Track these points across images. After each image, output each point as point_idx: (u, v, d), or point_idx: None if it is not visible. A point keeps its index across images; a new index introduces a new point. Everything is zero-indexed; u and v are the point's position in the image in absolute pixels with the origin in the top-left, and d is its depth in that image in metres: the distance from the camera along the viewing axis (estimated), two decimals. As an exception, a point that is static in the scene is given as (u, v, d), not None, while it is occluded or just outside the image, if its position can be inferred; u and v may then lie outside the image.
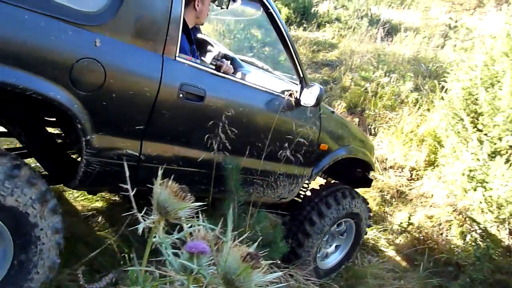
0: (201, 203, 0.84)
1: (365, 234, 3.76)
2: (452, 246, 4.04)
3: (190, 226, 0.84)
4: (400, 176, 5.17)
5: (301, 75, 2.76)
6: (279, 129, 2.71)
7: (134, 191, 0.95)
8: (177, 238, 0.83)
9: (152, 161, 2.21)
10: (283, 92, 2.77)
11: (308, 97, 2.73)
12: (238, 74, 2.96)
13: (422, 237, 4.26)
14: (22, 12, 1.67)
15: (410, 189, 5.03)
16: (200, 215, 0.86)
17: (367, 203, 3.59)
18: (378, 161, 4.99)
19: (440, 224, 4.54)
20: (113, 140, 2.07)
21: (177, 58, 2.14)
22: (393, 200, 4.81)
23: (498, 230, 3.23)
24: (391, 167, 5.17)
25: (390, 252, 4.17)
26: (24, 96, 1.79)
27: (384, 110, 5.95)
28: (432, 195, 4.90)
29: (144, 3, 2.04)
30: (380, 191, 4.75)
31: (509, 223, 3.14)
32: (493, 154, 3.75)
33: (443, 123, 4.60)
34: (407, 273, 3.87)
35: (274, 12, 2.54)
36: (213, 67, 2.56)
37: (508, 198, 2.99)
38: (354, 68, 6.86)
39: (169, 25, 2.06)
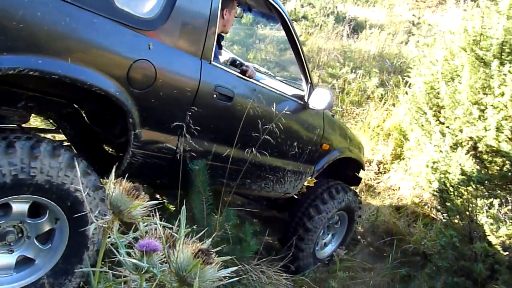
0: (155, 201, 0.85)
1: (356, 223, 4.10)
2: (418, 236, 4.16)
3: (146, 225, 0.85)
4: (368, 170, 5.27)
5: (309, 81, 3.05)
6: (290, 129, 3.01)
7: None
8: (133, 238, 0.83)
9: (185, 155, 2.47)
10: (294, 95, 3.07)
11: (318, 101, 3.00)
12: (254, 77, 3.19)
13: (390, 229, 4.36)
14: (91, 16, 1.89)
15: (378, 183, 5.14)
16: (156, 213, 0.86)
17: (358, 195, 3.92)
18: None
19: (407, 216, 4.67)
20: (156, 134, 2.30)
21: (212, 62, 2.41)
22: (362, 193, 4.90)
23: (461, 218, 3.34)
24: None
25: (359, 245, 4.24)
26: (81, 92, 2.03)
27: (351, 106, 6.06)
28: (399, 188, 5.03)
29: (188, 13, 2.29)
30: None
31: (470, 212, 3.25)
32: (455, 146, 3.87)
33: (408, 117, 4.71)
34: (377, 264, 3.95)
35: (289, 22, 2.84)
36: (239, 71, 2.78)
37: (468, 187, 3.11)
38: (321, 65, 6.96)
39: (207, 32, 2.33)
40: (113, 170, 0.84)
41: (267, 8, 3.05)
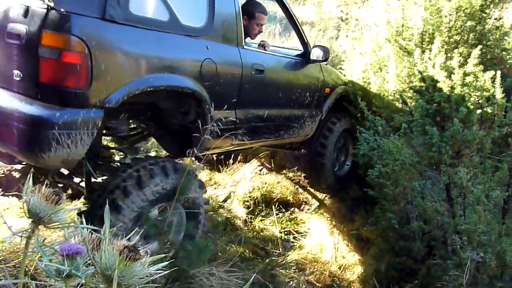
0: (76, 206, 0.82)
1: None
2: (361, 221, 4.31)
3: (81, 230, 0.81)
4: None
5: (306, 43, 3.88)
6: (302, 83, 3.89)
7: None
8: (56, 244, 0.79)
9: (242, 124, 3.20)
10: (299, 55, 3.93)
11: (318, 55, 3.81)
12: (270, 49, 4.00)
13: (334, 217, 4.48)
14: (171, 36, 2.62)
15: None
16: (80, 217, 0.83)
17: (351, 118, 4.66)
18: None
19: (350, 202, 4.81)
20: (222, 113, 2.95)
21: (245, 47, 3.18)
22: (307, 186, 4.99)
23: (397, 202, 3.50)
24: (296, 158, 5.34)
25: (304, 237, 4.32)
26: (165, 95, 2.73)
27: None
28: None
29: (223, 17, 2.97)
30: (292, 180, 4.91)
31: (406, 194, 3.42)
32: (387, 133, 4.05)
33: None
34: (323, 254, 4.05)
35: (286, 3, 3.69)
36: (261, 48, 3.81)
37: (401, 172, 3.26)
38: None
39: (237, 27, 3.07)
40: (30, 177, 0.80)
41: None
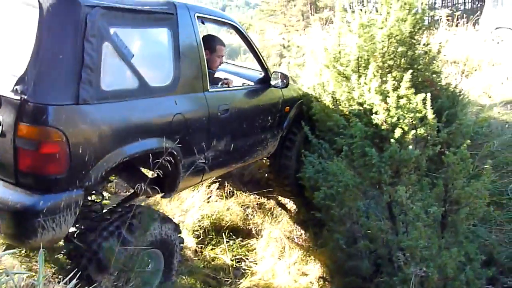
0: (10, 251, 0.78)
1: None
2: (311, 243, 4.36)
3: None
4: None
5: (266, 68, 4.10)
6: (264, 108, 4.08)
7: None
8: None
9: (211, 161, 3.35)
10: (260, 82, 4.13)
11: (278, 81, 4.07)
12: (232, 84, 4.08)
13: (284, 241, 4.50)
14: (144, 101, 2.74)
15: (269, 199, 5.28)
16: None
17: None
18: (235, 176, 5.16)
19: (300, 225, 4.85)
20: (192, 158, 3.11)
21: (210, 90, 3.31)
22: (255, 212, 4.99)
23: (344, 222, 3.60)
24: (248, 181, 5.37)
25: (256, 263, 4.30)
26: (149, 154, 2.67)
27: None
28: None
29: (190, 68, 3.14)
30: (241, 206, 4.90)
31: (351, 214, 3.52)
32: (330, 156, 4.17)
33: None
34: (275, 279, 4.04)
35: (244, 32, 3.92)
36: (225, 85, 3.82)
37: (346, 193, 3.37)
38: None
39: (202, 75, 3.22)
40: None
41: (222, 24, 3.92)
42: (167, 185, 3.08)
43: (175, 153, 2.88)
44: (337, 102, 4.31)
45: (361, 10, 4.39)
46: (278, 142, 4.46)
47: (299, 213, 4.71)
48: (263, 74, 4.17)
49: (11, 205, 2.16)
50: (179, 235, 3.20)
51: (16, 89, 2.15)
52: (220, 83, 3.88)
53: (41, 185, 2.25)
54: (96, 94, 2.39)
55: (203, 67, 3.24)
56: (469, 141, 3.24)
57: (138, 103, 2.67)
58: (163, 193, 3.16)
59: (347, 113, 4.16)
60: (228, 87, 3.83)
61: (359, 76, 3.95)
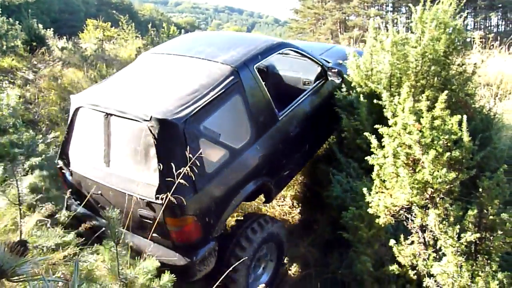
0: (43, 257, 0.76)
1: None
2: (334, 266, 4.24)
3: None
4: (282, 205, 5.34)
5: (324, 68, 4.73)
6: (323, 104, 4.73)
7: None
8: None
9: (289, 172, 4.34)
10: (319, 78, 4.81)
11: (335, 77, 4.63)
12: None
13: (307, 259, 4.39)
14: (235, 164, 3.53)
15: (293, 216, 5.21)
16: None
17: None
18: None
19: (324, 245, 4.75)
20: (279, 175, 4.15)
21: (279, 118, 4.06)
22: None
23: (371, 244, 3.50)
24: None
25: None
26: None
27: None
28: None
29: (261, 116, 3.80)
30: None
31: (379, 236, 3.42)
32: (359, 176, 4.08)
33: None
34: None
35: (300, 50, 4.54)
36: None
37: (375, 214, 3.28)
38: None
39: (268, 109, 3.94)
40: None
41: (281, 54, 4.63)
42: (266, 197, 4.10)
43: (267, 181, 3.83)
44: (367, 121, 4.23)
45: (393, 28, 4.33)
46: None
47: (324, 232, 4.60)
48: (319, 69, 4.75)
49: (177, 263, 3.19)
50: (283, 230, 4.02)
51: (157, 197, 3.03)
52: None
53: (190, 248, 3.25)
54: (205, 179, 3.20)
55: (269, 104, 3.84)
56: (505, 165, 3.11)
57: (233, 167, 3.44)
58: (264, 202, 4.23)
59: (378, 132, 4.09)
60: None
61: (391, 95, 3.87)
